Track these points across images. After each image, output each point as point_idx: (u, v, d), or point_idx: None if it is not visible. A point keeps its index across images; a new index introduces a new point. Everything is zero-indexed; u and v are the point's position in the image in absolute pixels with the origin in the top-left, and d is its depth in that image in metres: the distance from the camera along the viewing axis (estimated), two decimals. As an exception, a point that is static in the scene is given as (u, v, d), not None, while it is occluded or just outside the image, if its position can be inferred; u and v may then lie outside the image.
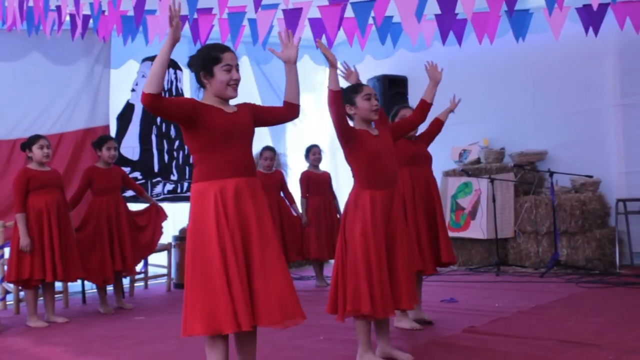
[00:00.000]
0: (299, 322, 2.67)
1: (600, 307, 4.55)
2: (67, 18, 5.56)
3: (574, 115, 7.17)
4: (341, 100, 3.15)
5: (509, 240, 7.05)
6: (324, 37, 5.68)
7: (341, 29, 5.45)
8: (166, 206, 6.35)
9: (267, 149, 6.45)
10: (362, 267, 3.11)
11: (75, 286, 6.11)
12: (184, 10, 5.29)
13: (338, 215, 6.36)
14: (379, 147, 3.27)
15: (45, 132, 6.10)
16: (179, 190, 7.63)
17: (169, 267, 6.79)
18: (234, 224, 2.65)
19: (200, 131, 2.68)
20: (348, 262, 3.18)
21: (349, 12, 5.12)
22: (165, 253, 6.76)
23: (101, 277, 5.37)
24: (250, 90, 7.87)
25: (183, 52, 6.58)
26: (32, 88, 6.55)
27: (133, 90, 7.42)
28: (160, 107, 2.60)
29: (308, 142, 6.94)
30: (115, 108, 7.22)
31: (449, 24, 5.43)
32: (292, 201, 6.51)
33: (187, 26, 5.51)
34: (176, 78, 7.63)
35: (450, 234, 5.90)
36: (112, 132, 7.04)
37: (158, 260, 6.89)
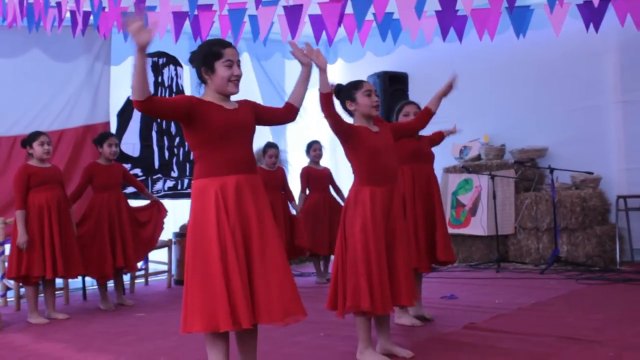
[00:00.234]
0: (299, 319, 2.66)
1: (601, 303, 4.55)
2: (68, 14, 5.56)
3: (575, 112, 7.16)
4: (333, 101, 3.15)
5: (509, 237, 7.05)
6: (324, 34, 5.68)
7: (342, 25, 5.45)
8: (166, 203, 6.36)
9: (271, 145, 6.37)
10: (362, 263, 3.11)
11: (75, 283, 6.12)
12: (185, 7, 5.30)
13: None
14: (378, 144, 3.28)
15: (46, 128, 6.09)
16: (179, 187, 7.62)
17: (169, 263, 6.79)
18: (235, 221, 2.64)
19: (200, 128, 2.67)
20: (348, 258, 3.18)
21: (349, 9, 5.12)
22: (165, 249, 6.76)
23: (99, 272, 5.36)
24: (250, 87, 7.85)
25: (184, 49, 6.52)
26: (33, 85, 6.54)
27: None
28: (153, 109, 2.58)
29: (309, 138, 6.92)
30: (116, 105, 7.20)
31: (450, 21, 5.43)
32: (291, 199, 6.51)
33: (187, 22, 5.52)
34: (177, 74, 7.61)
35: (451, 230, 5.92)
36: (113, 129, 7.02)
37: (158, 257, 6.88)
